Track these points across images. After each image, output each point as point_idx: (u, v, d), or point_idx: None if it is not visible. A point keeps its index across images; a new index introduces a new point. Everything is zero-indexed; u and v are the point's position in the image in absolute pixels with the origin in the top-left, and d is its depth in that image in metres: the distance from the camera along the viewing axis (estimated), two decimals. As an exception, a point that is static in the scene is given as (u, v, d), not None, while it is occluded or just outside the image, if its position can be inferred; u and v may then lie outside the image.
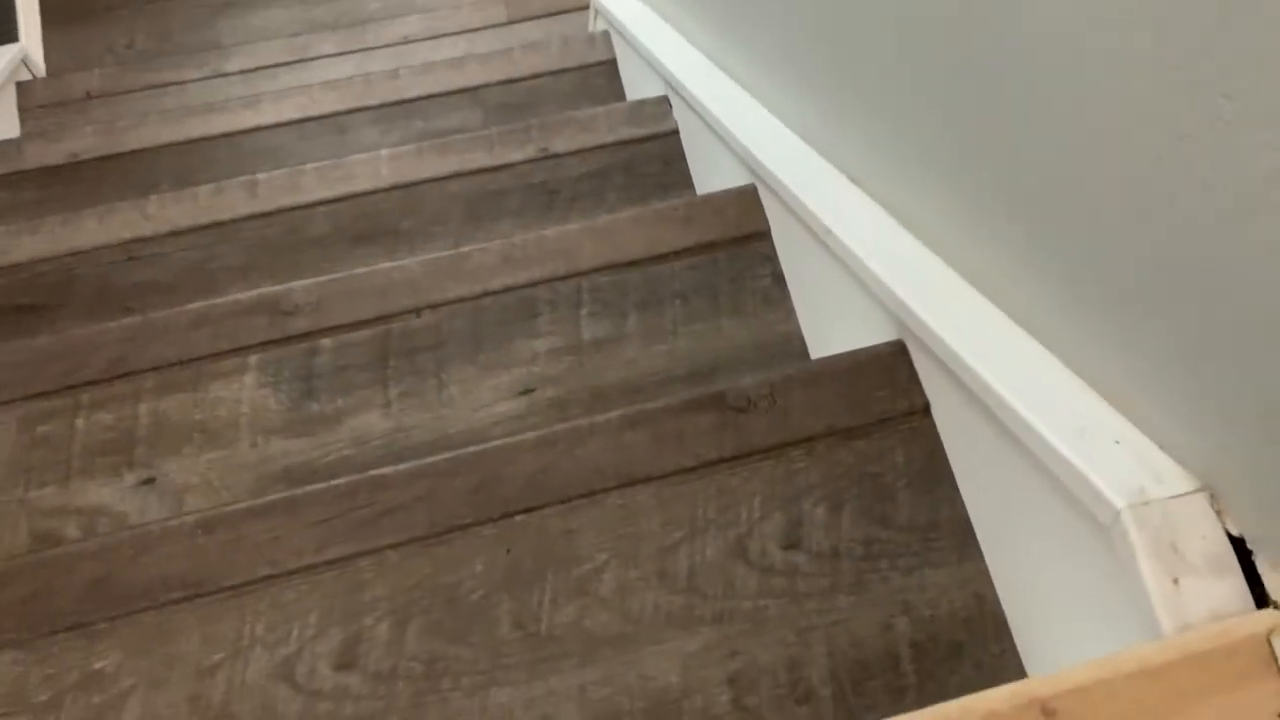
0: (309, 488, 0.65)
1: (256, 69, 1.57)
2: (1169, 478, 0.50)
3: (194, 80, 1.56)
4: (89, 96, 1.54)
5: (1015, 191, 0.59)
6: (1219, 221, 0.42)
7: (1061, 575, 0.57)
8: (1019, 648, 0.63)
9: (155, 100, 1.53)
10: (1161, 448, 0.52)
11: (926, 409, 0.69)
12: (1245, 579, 0.48)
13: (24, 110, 1.55)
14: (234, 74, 1.57)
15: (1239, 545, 0.49)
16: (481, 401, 0.88)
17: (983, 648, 0.64)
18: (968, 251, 0.68)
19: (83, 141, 1.32)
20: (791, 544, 0.66)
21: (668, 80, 1.21)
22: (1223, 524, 0.49)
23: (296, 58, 1.60)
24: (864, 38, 0.75)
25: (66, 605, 0.61)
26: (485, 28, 1.64)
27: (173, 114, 1.34)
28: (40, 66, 1.70)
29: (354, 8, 1.85)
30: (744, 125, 1.01)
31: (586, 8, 1.60)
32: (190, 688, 0.60)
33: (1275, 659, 0.46)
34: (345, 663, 0.62)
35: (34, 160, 1.30)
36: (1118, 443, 0.53)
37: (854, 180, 0.84)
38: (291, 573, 0.63)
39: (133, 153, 1.31)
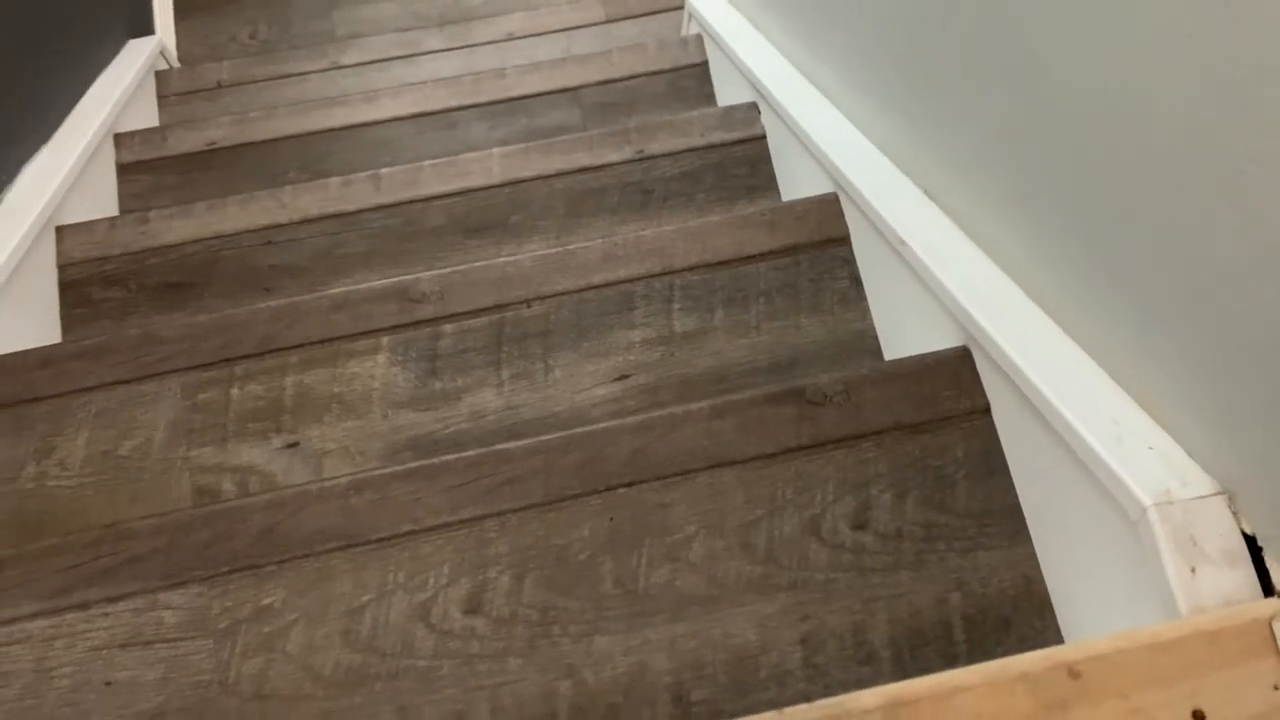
0: (445, 457, 0.76)
1: (370, 62, 1.68)
2: (1193, 481, 0.58)
3: (314, 72, 1.68)
4: (220, 86, 1.67)
5: (1072, 217, 0.67)
6: (1251, 268, 0.50)
7: (1097, 561, 0.65)
8: (1060, 624, 0.72)
9: (279, 90, 1.65)
10: (1189, 454, 0.60)
11: (986, 409, 0.77)
12: (1255, 571, 0.56)
13: (161, 98, 1.69)
14: (349, 67, 1.68)
15: (1251, 542, 0.56)
16: (582, 385, 0.98)
17: (1027, 623, 0.73)
18: (1028, 268, 0.76)
19: (219, 131, 1.44)
20: (860, 525, 0.74)
21: (757, 87, 1.29)
22: (1238, 523, 0.57)
23: (406, 52, 1.71)
24: (944, 64, 0.83)
25: (241, 549, 0.73)
26: (584, 26, 1.74)
27: (299, 106, 1.45)
28: (174, 56, 1.83)
29: (456, 2, 1.96)
30: (828, 135, 1.08)
31: (681, 8, 1.68)
32: (343, 624, 0.72)
33: (1275, 641, 0.54)
34: (472, 608, 0.72)
35: (175, 147, 1.43)
36: (1150, 448, 0.61)
37: (928, 195, 0.92)
38: (429, 529, 0.74)
39: (264, 142, 1.43)
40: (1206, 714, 0.52)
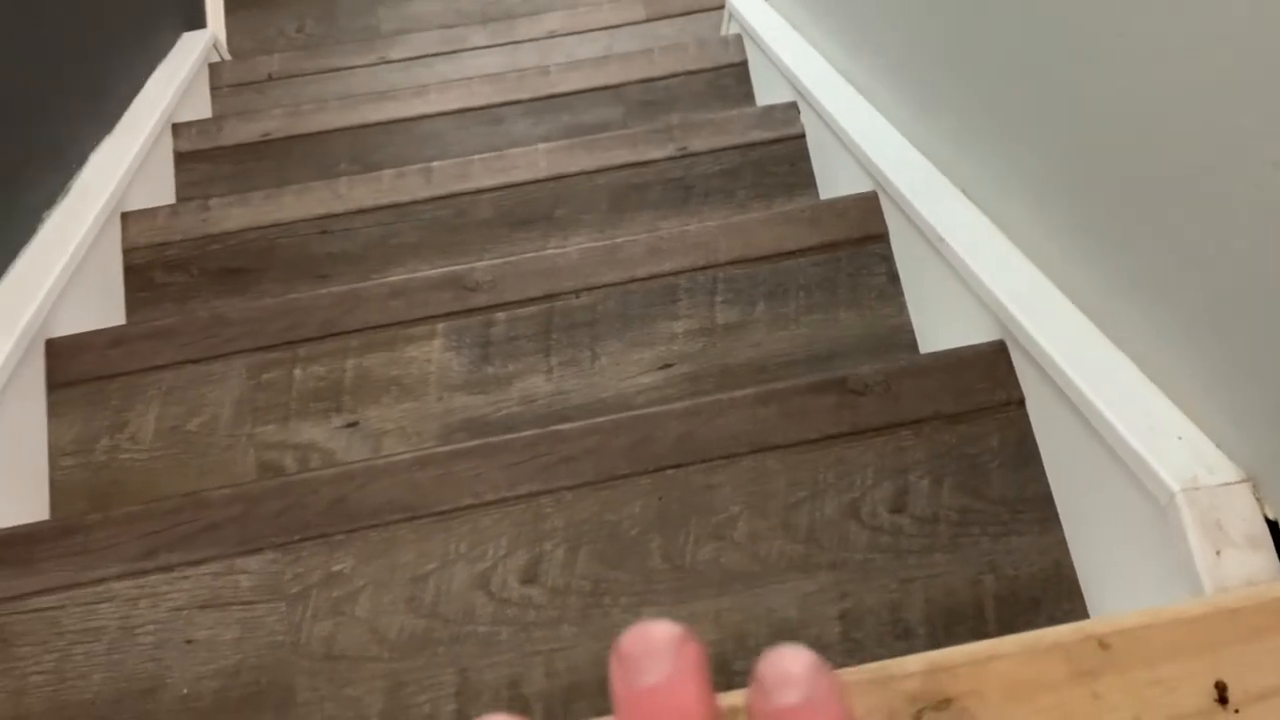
0: (504, 436, 0.80)
1: (416, 58, 1.73)
2: (1219, 469, 0.62)
3: (361, 67, 1.73)
4: (270, 78, 1.72)
5: (1109, 220, 0.70)
6: (1275, 273, 0.53)
7: (1125, 545, 0.69)
8: (1087, 605, 0.75)
9: (328, 84, 1.70)
10: (1216, 444, 0.63)
11: (1021, 401, 0.80)
12: (1277, 554, 0.60)
13: (214, 89, 1.74)
14: (395, 62, 1.73)
15: (1273, 527, 0.60)
16: (627, 372, 1.02)
17: (1056, 604, 0.76)
18: (1063, 266, 0.79)
19: (273, 122, 1.49)
20: (898, 509, 0.78)
21: (796, 87, 1.32)
22: (1261, 509, 0.60)
23: (451, 48, 1.75)
24: (986, 68, 0.86)
25: (312, 519, 0.77)
26: (624, 24, 1.77)
27: (350, 100, 1.50)
28: (225, 49, 1.89)
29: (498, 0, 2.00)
30: (867, 135, 1.12)
31: (720, 7, 1.72)
32: (408, 590, 0.76)
33: (1294, 618, 0.57)
34: (529, 578, 0.76)
35: (230, 138, 1.48)
36: (1179, 438, 0.64)
37: (966, 194, 0.95)
38: (488, 504, 0.78)
39: (316, 134, 1.47)
40: (1228, 684, 0.56)
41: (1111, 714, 0.55)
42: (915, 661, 0.57)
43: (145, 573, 0.76)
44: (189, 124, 1.50)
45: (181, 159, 1.46)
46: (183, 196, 1.45)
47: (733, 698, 0.42)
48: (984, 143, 0.90)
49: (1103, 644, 0.57)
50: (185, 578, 0.76)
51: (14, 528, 0.78)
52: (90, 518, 0.77)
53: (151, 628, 0.75)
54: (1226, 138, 0.55)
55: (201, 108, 1.68)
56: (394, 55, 1.73)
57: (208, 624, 0.75)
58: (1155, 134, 0.62)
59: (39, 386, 0.97)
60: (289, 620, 0.75)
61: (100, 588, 0.75)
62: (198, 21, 1.82)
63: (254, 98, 1.69)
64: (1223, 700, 0.55)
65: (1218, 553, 0.60)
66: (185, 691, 0.74)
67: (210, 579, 0.76)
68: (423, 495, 0.78)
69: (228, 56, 1.88)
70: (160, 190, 1.40)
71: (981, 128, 0.90)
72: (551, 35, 1.76)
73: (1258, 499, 0.61)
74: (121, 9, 1.46)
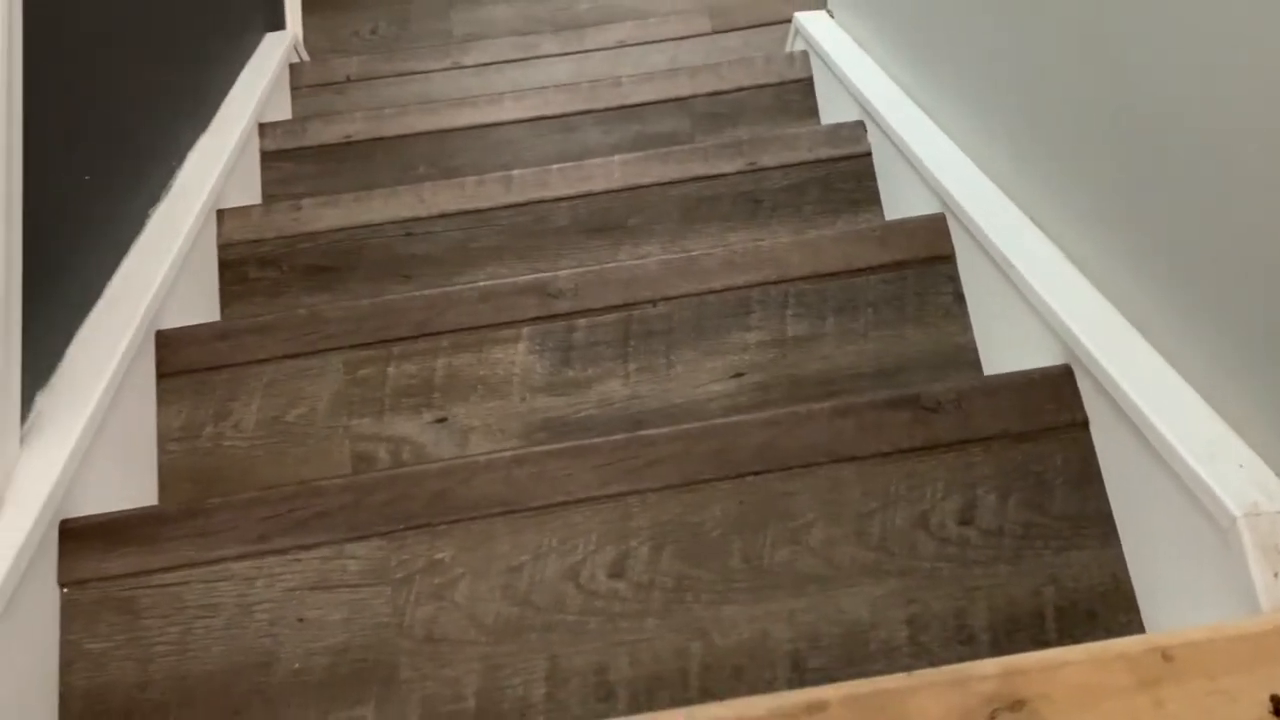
0: (594, 440, 0.85)
1: (489, 64, 1.78)
2: (1278, 496, 0.66)
3: (437, 71, 1.78)
4: (349, 80, 1.79)
5: (1175, 250, 0.74)
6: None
7: (1183, 564, 0.73)
8: (1143, 619, 0.79)
9: (404, 87, 1.76)
10: (1275, 473, 0.67)
11: (1085, 424, 0.85)
12: (1332, 579, 0.64)
13: (294, 89, 1.80)
14: (469, 67, 1.78)
15: (1330, 553, 0.64)
16: (700, 380, 1.07)
17: (1113, 617, 0.81)
18: (1130, 294, 0.83)
19: (355, 125, 1.55)
20: (965, 521, 0.83)
21: (864, 106, 1.37)
22: (1319, 536, 0.64)
23: (523, 55, 1.81)
24: (1053, 97, 0.90)
25: (417, 509, 0.83)
26: (691, 36, 1.82)
27: (430, 106, 1.56)
28: (304, 51, 1.95)
29: (566, 6, 2.06)
30: (936, 158, 1.16)
31: (787, 21, 1.76)
32: (503, 579, 0.81)
33: (1348, 639, 0.61)
34: (616, 573, 0.82)
35: (314, 138, 1.54)
36: (1241, 466, 0.68)
37: (1034, 221, 0.99)
38: (579, 501, 0.83)
39: (396, 137, 1.53)
40: (1284, 698, 0.60)
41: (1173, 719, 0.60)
42: (991, 665, 0.62)
43: (261, 554, 0.82)
44: (275, 124, 1.57)
45: (267, 158, 1.53)
46: (268, 195, 1.51)
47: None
48: (1050, 171, 0.94)
49: (1166, 655, 0.62)
50: (298, 560, 0.82)
51: (143, 509, 0.84)
52: (211, 502, 0.83)
53: (266, 606, 0.81)
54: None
55: (283, 108, 1.75)
56: (467, 60, 1.79)
57: (318, 604, 0.81)
58: (1224, 169, 0.66)
59: (150, 375, 1.03)
60: (393, 603, 0.81)
61: (219, 567, 0.81)
62: (278, 23, 1.89)
63: (333, 99, 1.76)
64: (1277, 712, 0.59)
65: (1275, 574, 0.64)
66: (297, 666, 0.79)
67: (320, 563, 0.82)
68: (519, 491, 0.83)
69: (306, 57, 1.95)
70: (249, 188, 1.47)
71: (1047, 156, 0.94)
72: (620, 45, 1.82)
73: (1316, 526, 0.65)
74: (215, 11, 1.53)
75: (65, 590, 0.81)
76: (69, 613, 0.80)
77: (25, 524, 0.77)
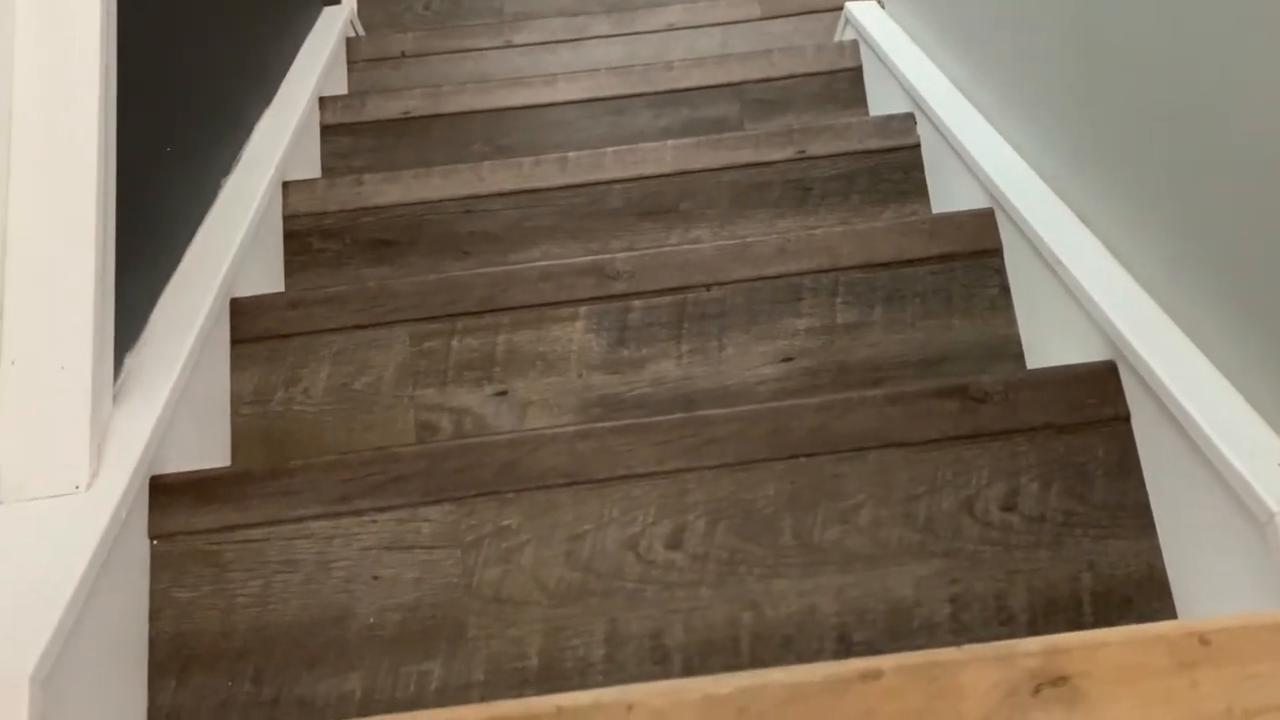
0: (655, 418, 0.89)
1: (542, 43, 1.82)
2: (1317, 495, 0.69)
3: (490, 49, 1.82)
4: (403, 55, 1.82)
5: (1221, 254, 0.77)
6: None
7: (1219, 557, 0.77)
8: (1176, 607, 0.83)
9: (458, 64, 1.80)
10: (1315, 473, 0.71)
11: (1127, 418, 0.88)
12: (1363, 574, 0.67)
13: (351, 63, 1.84)
14: (521, 46, 1.82)
15: (1362, 549, 0.67)
16: (751, 363, 1.10)
17: (1147, 603, 0.84)
18: (1174, 294, 0.86)
19: (413, 101, 1.59)
20: (1008, 507, 0.86)
21: (915, 99, 1.39)
22: (1352, 533, 0.68)
23: (574, 36, 1.84)
24: (1105, 98, 0.93)
25: (486, 477, 0.87)
26: (741, 21, 1.85)
27: (486, 85, 1.60)
28: (359, 25, 1.99)
29: (616, -13, 2.08)
30: (987, 154, 1.19)
31: (837, 9, 1.78)
32: (566, 547, 0.86)
33: (1376, 631, 0.65)
34: (673, 544, 0.86)
35: (373, 113, 1.59)
36: (1279, 465, 0.72)
37: (1083, 219, 1.02)
38: (639, 475, 0.87)
39: (453, 114, 1.57)
40: (1313, 684, 0.64)
41: (1207, 701, 0.64)
42: (1035, 643, 0.66)
43: (340, 515, 0.86)
44: (334, 99, 1.61)
45: (327, 131, 1.57)
46: (326, 168, 1.56)
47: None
48: (1101, 171, 0.97)
49: (1203, 640, 0.65)
50: (374, 521, 0.86)
51: (229, 468, 0.89)
52: (294, 463, 0.88)
53: (343, 564, 0.86)
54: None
55: (340, 82, 1.79)
56: (519, 40, 1.83)
57: (392, 564, 0.86)
58: (1273, 176, 0.69)
59: (225, 341, 1.08)
60: (463, 565, 0.85)
61: (300, 525, 0.86)
62: (333, -3, 1.92)
63: (388, 74, 1.80)
64: (1307, 697, 0.63)
65: (1310, 569, 0.68)
66: (371, 621, 0.84)
67: (395, 524, 0.86)
68: (582, 464, 0.88)
69: (362, 32, 1.99)
70: (310, 161, 1.51)
71: (1100, 157, 0.97)
72: (670, 28, 1.84)
73: (1349, 524, 0.68)
74: (278, -14, 1.57)
75: (155, 542, 0.86)
76: (158, 563, 0.86)
77: (122, 480, 0.82)
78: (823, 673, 0.66)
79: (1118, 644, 0.67)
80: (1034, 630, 0.83)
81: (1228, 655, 0.66)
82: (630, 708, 0.65)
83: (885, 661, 0.67)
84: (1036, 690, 0.66)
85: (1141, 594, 0.84)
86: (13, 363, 0.83)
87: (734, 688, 0.65)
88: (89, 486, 0.80)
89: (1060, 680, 0.66)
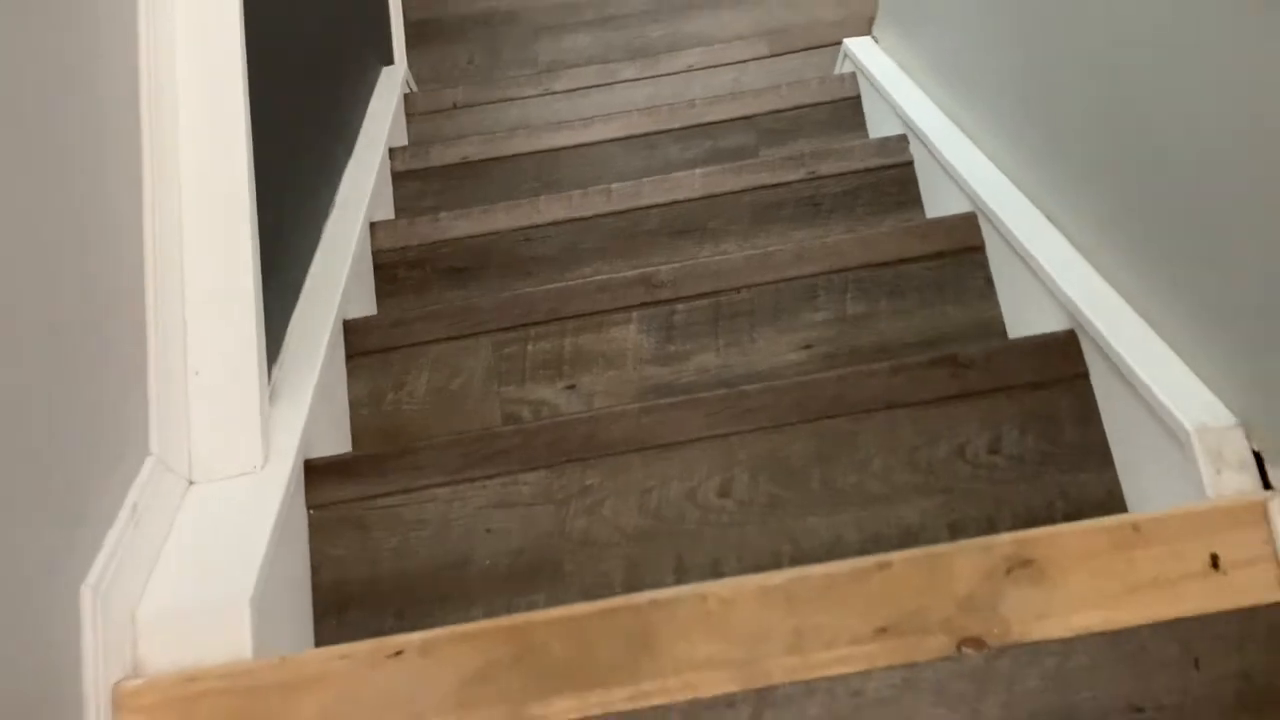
0: (703, 394, 1.11)
1: (577, 89, 2.05)
2: (1222, 417, 0.90)
3: (532, 97, 2.05)
4: (455, 106, 2.06)
5: (1166, 240, 0.98)
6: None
7: (1158, 475, 0.97)
8: (1132, 522, 1.03)
9: (504, 112, 2.03)
10: (1223, 402, 0.91)
11: (1086, 375, 1.09)
12: (1259, 474, 0.88)
13: (409, 116, 2.08)
14: (559, 93, 2.05)
15: (1257, 456, 0.88)
16: (778, 351, 1.32)
17: (1110, 522, 1.04)
18: (1121, 275, 1.07)
19: (470, 147, 1.82)
20: (994, 450, 1.07)
21: (906, 122, 1.61)
22: (1249, 443, 0.88)
23: (604, 81, 2.07)
24: (1071, 120, 1.14)
25: (571, 447, 1.09)
26: (752, 59, 2.07)
27: (533, 130, 1.83)
28: (413, 81, 2.23)
29: (639, 34, 2.31)
30: (968, 166, 1.40)
31: (837, 44, 2.01)
32: (638, 500, 1.07)
33: (1267, 518, 0.85)
34: (723, 493, 1.07)
35: (437, 160, 1.82)
36: (1195, 397, 0.92)
37: (1049, 218, 1.23)
38: (694, 440, 1.09)
39: (506, 157, 1.80)
40: (1220, 556, 0.84)
41: (1140, 572, 0.84)
42: (1008, 537, 0.87)
43: (457, 483, 1.08)
44: (403, 148, 1.84)
45: (398, 177, 1.80)
46: (399, 209, 1.79)
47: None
48: (1063, 178, 1.18)
49: (1135, 527, 0.86)
50: (484, 487, 1.08)
51: (364, 452, 1.11)
52: (419, 444, 1.10)
53: (462, 521, 1.07)
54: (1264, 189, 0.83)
55: (401, 133, 2.02)
56: (557, 87, 2.06)
57: (500, 519, 1.07)
58: (1195, 183, 0.90)
59: (341, 355, 1.31)
60: (556, 517, 1.07)
61: (426, 492, 1.08)
62: (390, 58, 2.16)
63: (443, 123, 2.03)
64: (1215, 565, 0.84)
65: (1218, 472, 0.88)
66: (487, 564, 1.06)
67: (501, 488, 1.08)
68: (648, 433, 1.09)
69: (415, 87, 2.23)
70: (385, 203, 1.74)
71: (1061, 166, 1.18)
72: (689, 69, 2.07)
73: (1247, 436, 0.89)
74: (349, 49, 1.81)
75: (312, 512, 1.08)
76: (315, 528, 1.07)
77: (288, 462, 1.04)
78: (849, 566, 0.88)
79: (1071, 534, 0.88)
80: (1018, 546, 1.03)
81: (1155, 538, 0.87)
82: (705, 597, 0.87)
83: (895, 556, 0.88)
84: (1009, 570, 0.87)
85: (1104, 513, 1.04)
86: (196, 373, 1.05)
87: (783, 579, 0.87)
88: (263, 467, 1.02)
89: (1027, 563, 0.87)
